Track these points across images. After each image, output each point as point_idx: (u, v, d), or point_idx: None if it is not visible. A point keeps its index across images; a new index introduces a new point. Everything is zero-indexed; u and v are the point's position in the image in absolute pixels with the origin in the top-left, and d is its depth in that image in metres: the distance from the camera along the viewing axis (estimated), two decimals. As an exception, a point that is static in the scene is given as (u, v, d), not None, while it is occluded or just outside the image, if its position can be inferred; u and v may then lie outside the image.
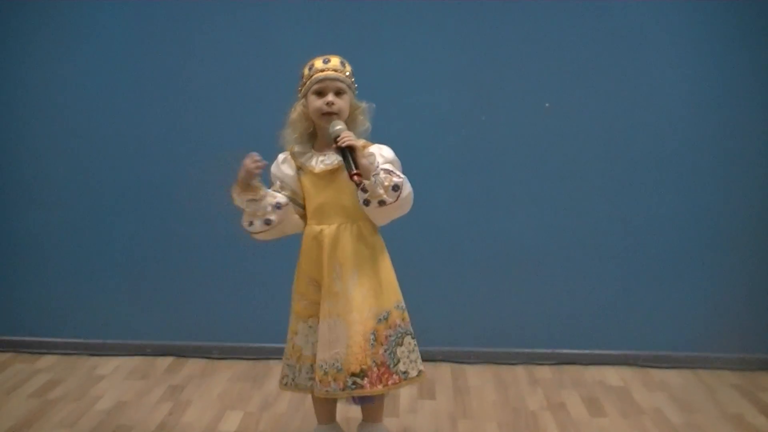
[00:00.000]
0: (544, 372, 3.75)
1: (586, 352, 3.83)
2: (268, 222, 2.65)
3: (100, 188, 3.84)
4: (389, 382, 2.65)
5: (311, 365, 2.71)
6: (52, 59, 3.78)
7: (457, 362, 3.84)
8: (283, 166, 2.73)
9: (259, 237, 2.71)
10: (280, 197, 2.67)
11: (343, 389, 2.61)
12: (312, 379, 2.71)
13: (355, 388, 2.61)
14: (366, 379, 2.61)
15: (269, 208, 2.64)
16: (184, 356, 3.89)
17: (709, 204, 3.73)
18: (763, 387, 3.58)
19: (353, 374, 2.60)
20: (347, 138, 2.51)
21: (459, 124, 3.70)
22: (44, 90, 3.81)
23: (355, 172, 2.48)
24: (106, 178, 3.83)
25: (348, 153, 2.51)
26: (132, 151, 3.82)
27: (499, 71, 3.69)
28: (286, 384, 2.80)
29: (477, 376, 3.71)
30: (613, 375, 3.71)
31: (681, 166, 3.72)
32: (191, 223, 3.82)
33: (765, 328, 3.78)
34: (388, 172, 2.55)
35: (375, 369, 2.62)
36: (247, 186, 2.60)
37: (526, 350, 3.85)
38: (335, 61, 2.63)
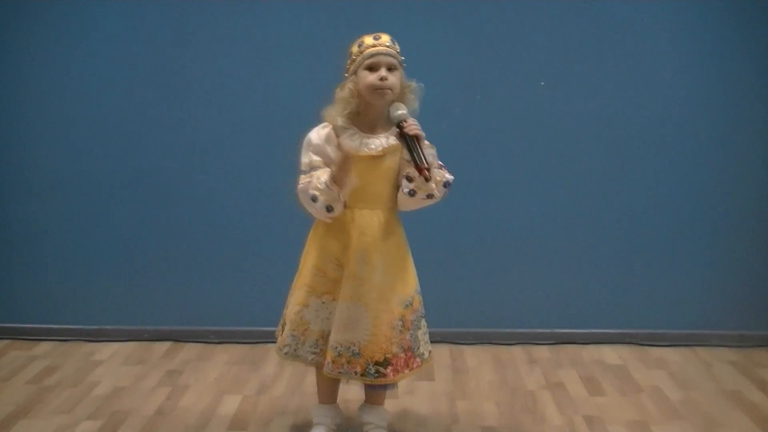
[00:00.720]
0: (542, 352, 3.75)
1: (584, 331, 3.84)
2: (338, 204, 2.57)
3: (95, 175, 3.82)
4: (414, 366, 2.69)
5: (316, 340, 2.70)
6: (51, 50, 3.75)
7: (455, 343, 3.84)
8: (322, 135, 2.59)
9: (331, 215, 2.58)
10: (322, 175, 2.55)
11: (362, 375, 2.61)
12: (315, 353, 2.70)
13: (378, 377, 2.62)
14: (390, 367, 2.62)
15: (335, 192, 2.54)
16: (181, 341, 3.88)
17: (706, 183, 3.74)
18: (761, 363, 3.59)
19: (377, 362, 2.61)
20: (414, 126, 2.48)
21: (453, 104, 3.68)
22: (42, 80, 3.77)
23: (425, 167, 2.45)
24: (102, 165, 3.81)
25: (415, 143, 2.47)
26: (127, 138, 3.79)
27: (493, 50, 3.67)
28: (286, 353, 2.74)
29: (475, 356, 3.71)
30: (611, 353, 3.72)
31: (678, 146, 3.72)
32: (187, 208, 3.81)
33: (762, 305, 3.79)
34: (441, 167, 2.57)
35: (402, 355, 2.64)
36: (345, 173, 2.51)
37: (524, 330, 3.85)
38: (386, 37, 2.59)
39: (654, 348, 3.77)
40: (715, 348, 3.77)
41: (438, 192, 2.57)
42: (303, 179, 2.58)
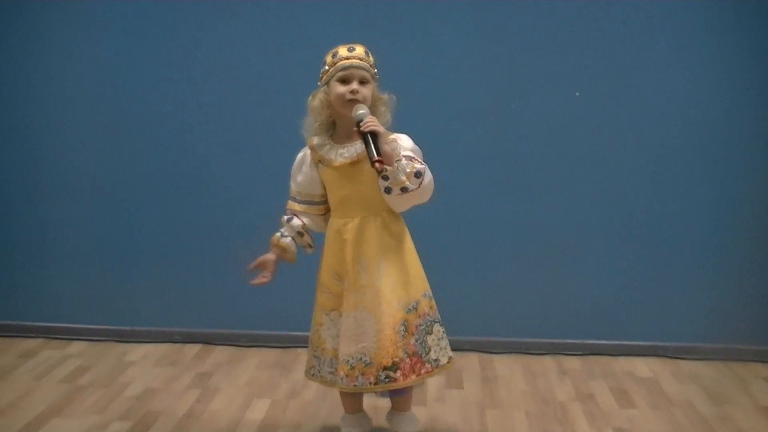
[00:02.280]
0: (573, 362, 3.72)
1: (616, 342, 3.80)
2: (310, 245, 2.83)
3: (130, 177, 3.86)
4: (422, 372, 2.65)
5: (331, 359, 2.72)
6: (78, 49, 3.80)
7: (485, 352, 3.82)
8: (301, 169, 2.75)
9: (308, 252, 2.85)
10: (295, 222, 2.77)
11: (375, 383, 2.61)
12: (332, 373, 2.72)
13: (389, 382, 2.61)
14: (399, 371, 2.60)
15: (304, 237, 2.80)
16: (212, 344, 3.90)
17: (740, 193, 3.69)
18: (796, 380, 3.54)
19: (386, 368, 2.60)
20: (371, 123, 2.49)
21: (488, 113, 3.67)
22: (73, 81, 3.82)
23: (377, 159, 2.45)
24: (137, 167, 3.85)
25: (371, 139, 2.48)
26: (161, 141, 3.83)
27: (529, 59, 3.66)
28: (312, 375, 2.82)
29: (505, 365, 3.69)
30: (642, 366, 3.68)
31: (711, 156, 3.67)
32: (220, 211, 3.83)
33: (798, 320, 3.73)
34: (409, 158, 2.53)
35: (407, 360, 2.61)
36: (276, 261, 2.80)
37: (555, 340, 3.83)
38: (360, 49, 2.62)
39: (686, 361, 3.73)
40: (749, 363, 3.71)
41: (411, 184, 2.51)
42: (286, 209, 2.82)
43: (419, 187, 2.53)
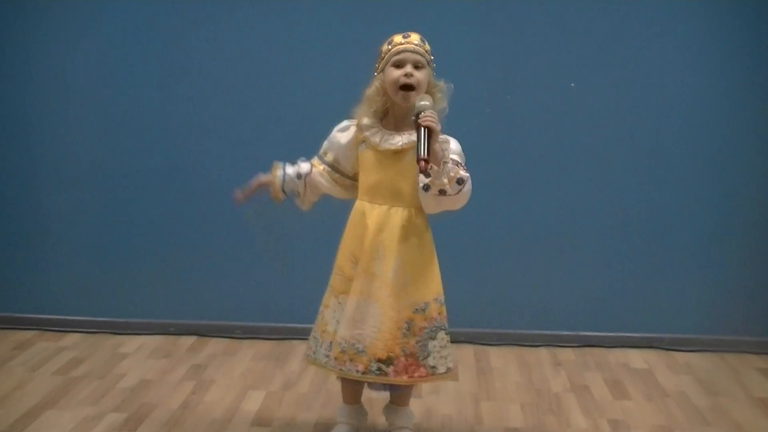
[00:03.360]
0: (568, 354, 3.73)
1: (610, 334, 3.81)
2: (296, 194, 2.77)
3: (125, 169, 3.85)
4: (415, 374, 2.62)
5: (330, 343, 2.68)
6: (74, 43, 3.78)
7: (480, 344, 3.83)
8: (341, 133, 2.71)
9: (302, 208, 2.80)
10: (304, 167, 2.73)
11: (364, 373, 2.59)
12: (328, 356, 2.68)
13: (379, 374, 2.59)
14: (391, 367, 2.59)
15: (296, 181, 2.74)
16: (207, 335, 3.90)
17: (734, 185, 3.70)
18: (790, 371, 3.56)
19: (380, 360, 2.59)
20: (430, 118, 2.44)
21: (484, 104, 3.67)
22: (70, 73, 3.81)
23: (424, 157, 2.39)
24: (131, 158, 3.84)
25: (425, 134, 2.42)
26: (156, 131, 3.82)
27: (524, 50, 3.66)
28: (308, 357, 2.78)
29: (500, 357, 3.69)
30: (637, 357, 3.69)
31: (706, 148, 3.68)
32: (215, 203, 3.82)
33: (792, 311, 3.74)
34: (456, 163, 2.52)
35: (403, 359, 2.60)
36: (256, 190, 2.77)
37: (550, 332, 3.83)
38: (415, 36, 2.60)
39: (681, 353, 3.74)
40: (743, 354, 3.73)
41: (451, 189, 2.49)
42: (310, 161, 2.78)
43: (458, 194, 2.52)
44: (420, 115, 2.46)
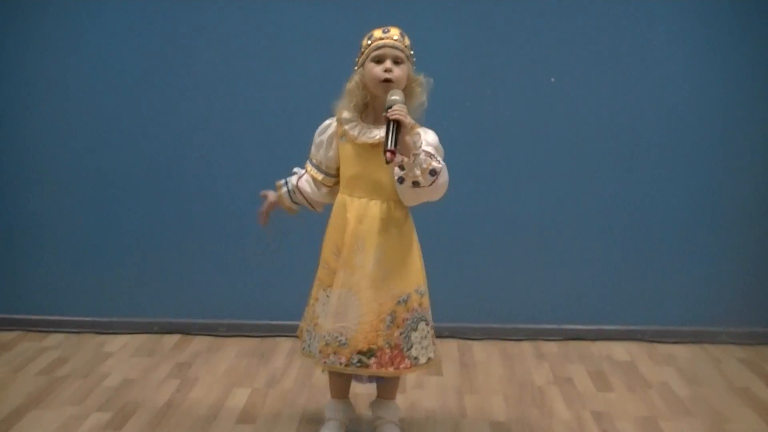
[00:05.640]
0: (551, 347, 3.75)
1: (593, 327, 3.84)
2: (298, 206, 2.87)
3: (106, 168, 3.83)
4: (401, 366, 2.63)
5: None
6: (58, 42, 3.76)
7: (463, 338, 3.84)
8: (322, 132, 2.76)
9: (316, 211, 2.88)
10: (294, 178, 2.81)
11: (347, 365, 2.60)
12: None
13: (360, 366, 2.60)
14: (373, 358, 2.60)
15: (296, 195, 2.84)
16: (190, 333, 3.90)
17: (714, 178, 3.73)
18: (770, 360, 3.59)
19: (360, 352, 2.59)
20: (398, 111, 2.45)
21: (463, 97, 3.68)
22: (51, 73, 3.78)
23: (389, 149, 2.41)
24: (112, 157, 3.82)
25: (393, 127, 2.44)
26: (138, 131, 3.80)
27: (504, 44, 3.67)
28: (303, 349, 2.79)
29: (483, 351, 3.71)
30: (619, 350, 3.72)
31: (686, 141, 3.71)
32: (197, 201, 3.82)
33: (772, 302, 3.78)
34: (429, 155, 2.52)
35: (387, 351, 2.61)
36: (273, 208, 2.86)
37: (533, 326, 3.85)
38: (395, 31, 2.62)
39: (662, 344, 3.77)
40: (724, 345, 3.76)
41: (424, 180, 2.51)
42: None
43: (431, 185, 2.53)
44: (389, 110, 2.48)
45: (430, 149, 2.56)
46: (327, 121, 2.75)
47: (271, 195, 2.84)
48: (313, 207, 2.85)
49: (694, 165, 3.72)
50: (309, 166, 2.80)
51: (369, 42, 2.61)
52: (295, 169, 2.83)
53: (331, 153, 2.73)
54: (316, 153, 2.78)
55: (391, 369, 2.62)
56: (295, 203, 2.84)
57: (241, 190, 3.76)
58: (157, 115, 3.79)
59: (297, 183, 2.80)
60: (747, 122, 3.69)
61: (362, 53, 2.63)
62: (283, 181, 2.84)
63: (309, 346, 2.76)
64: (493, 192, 3.77)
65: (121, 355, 3.65)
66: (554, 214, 3.77)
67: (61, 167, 3.85)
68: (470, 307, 3.84)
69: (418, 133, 2.58)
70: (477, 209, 3.77)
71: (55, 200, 3.87)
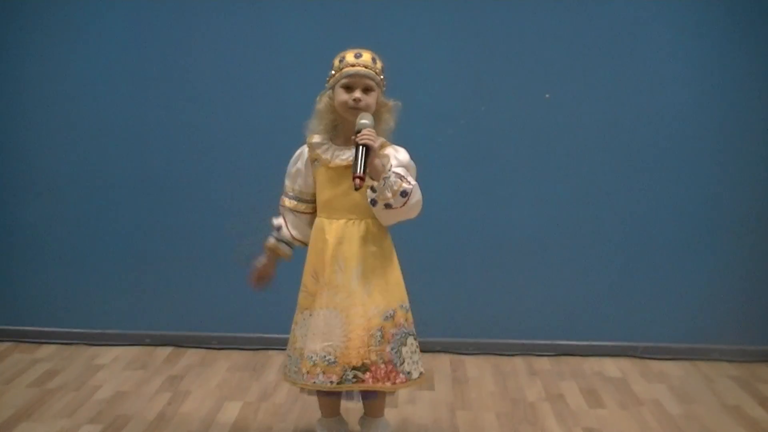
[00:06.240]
0: (543, 363, 3.75)
1: (585, 343, 3.84)
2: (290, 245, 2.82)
3: (99, 179, 3.84)
4: (396, 381, 2.63)
5: (298, 358, 2.68)
6: (54, 50, 3.77)
7: (455, 353, 3.84)
8: (296, 164, 2.76)
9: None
10: (276, 223, 2.80)
11: (340, 382, 2.59)
12: (297, 371, 2.68)
13: (356, 382, 2.60)
14: (368, 373, 2.59)
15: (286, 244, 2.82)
16: (183, 346, 3.89)
17: (708, 195, 3.74)
18: (762, 378, 3.59)
19: (354, 368, 2.59)
20: (366, 136, 2.47)
21: (458, 115, 3.69)
22: (45, 81, 3.79)
23: (358, 174, 2.42)
24: (106, 169, 3.83)
25: (362, 151, 2.46)
26: (131, 142, 3.81)
27: (498, 61, 3.68)
28: (285, 374, 2.79)
29: (476, 367, 3.71)
30: (611, 366, 3.72)
31: (680, 157, 3.72)
32: (191, 213, 3.82)
33: (764, 319, 3.79)
34: (399, 176, 2.52)
35: (382, 366, 2.61)
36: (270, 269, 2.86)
37: (525, 341, 3.85)
38: (367, 56, 2.61)
39: (655, 361, 3.77)
40: (716, 362, 3.76)
41: (395, 202, 2.51)
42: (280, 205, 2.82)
43: (403, 206, 2.54)
44: (358, 134, 2.49)
45: (400, 170, 2.56)
46: (298, 151, 2.76)
47: (260, 260, 2.83)
48: (304, 243, 2.83)
49: (688, 183, 3.73)
50: (289, 202, 2.78)
51: (340, 65, 2.61)
52: (274, 221, 2.81)
53: (310, 180, 2.74)
54: (293, 185, 2.76)
55: (388, 384, 2.62)
56: (291, 247, 2.82)
57: (236, 202, 3.77)
58: (150, 126, 3.79)
59: (290, 230, 2.79)
60: (741, 140, 3.69)
61: (332, 75, 2.63)
62: (272, 240, 2.80)
63: (288, 370, 2.75)
64: (486, 208, 3.77)
65: (113, 368, 3.64)
66: (547, 230, 3.78)
67: (54, 180, 3.85)
68: (463, 323, 3.84)
69: (387, 155, 2.59)
70: (470, 225, 3.78)
71: (47, 212, 3.87)
